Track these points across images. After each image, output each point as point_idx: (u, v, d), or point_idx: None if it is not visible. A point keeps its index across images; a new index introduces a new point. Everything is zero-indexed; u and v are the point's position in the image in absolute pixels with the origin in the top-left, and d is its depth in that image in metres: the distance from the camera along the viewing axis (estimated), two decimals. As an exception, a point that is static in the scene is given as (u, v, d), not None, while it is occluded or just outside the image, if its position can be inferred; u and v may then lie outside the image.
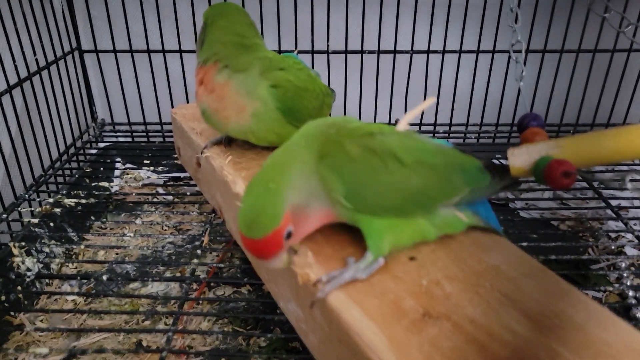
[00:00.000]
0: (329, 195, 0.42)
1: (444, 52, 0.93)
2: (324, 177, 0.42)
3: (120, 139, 1.03)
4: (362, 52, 0.94)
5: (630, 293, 0.61)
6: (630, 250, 0.72)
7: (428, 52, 0.94)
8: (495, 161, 0.52)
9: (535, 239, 0.66)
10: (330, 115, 0.66)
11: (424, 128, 0.99)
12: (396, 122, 0.99)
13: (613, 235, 0.75)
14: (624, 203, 0.78)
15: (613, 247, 0.73)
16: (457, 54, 0.94)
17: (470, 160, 0.48)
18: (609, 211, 0.74)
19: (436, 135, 0.99)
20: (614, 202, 0.76)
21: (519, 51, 0.63)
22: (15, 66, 0.76)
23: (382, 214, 0.44)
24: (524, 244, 0.63)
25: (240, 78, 0.56)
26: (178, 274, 0.72)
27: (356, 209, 0.43)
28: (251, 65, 0.57)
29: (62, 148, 0.91)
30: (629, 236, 0.73)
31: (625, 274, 0.65)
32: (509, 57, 0.91)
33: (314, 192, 0.42)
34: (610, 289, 0.64)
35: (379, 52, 0.94)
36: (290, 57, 0.61)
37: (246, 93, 0.56)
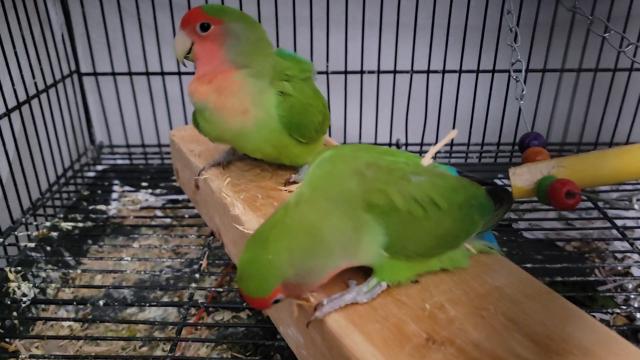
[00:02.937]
0: (362, 245, 0.41)
1: (444, 72, 0.93)
2: (369, 229, 0.41)
3: (119, 162, 1.03)
4: (361, 72, 0.94)
5: (638, 315, 0.60)
6: (637, 271, 0.71)
7: (428, 72, 0.94)
8: (493, 184, 0.51)
9: (540, 260, 0.65)
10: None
11: (425, 148, 0.98)
12: (397, 142, 0.98)
13: (619, 255, 0.74)
14: (629, 223, 0.77)
15: (620, 268, 0.72)
16: (457, 74, 0.93)
17: (479, 190, 0.47)
18: (614, 231, 0.73)
19: (438, 155, 0.98)
20: (619, 222, 0.75)
21: (519, 70, 0.63)
22: (14, 90, 0.76)
23: (413, 257, 0.43)
24: (529, 265, 0.62)
25: (253, 82, 0.55)
26: (176, 299, 0.71)
27: (391, 257, 0.42)
28: (265, 73, 0.56)
29: (60, 171, 0.90)
30: (635, 256, 0.72)
31: (632, 296, 0.63)
32: (509, 77, 0.91)
33: (329, 259, 0.40)
34: (618, 311, 0.63)
35: (379, 72, 0.94)
36: (298, 62, 0.60)
37: (253, 98, 0.55)
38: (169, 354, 0.54)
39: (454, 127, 0.96)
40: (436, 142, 0.96)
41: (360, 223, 0.40)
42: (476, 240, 0.47)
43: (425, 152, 0.47)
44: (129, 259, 0.71)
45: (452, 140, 0.99)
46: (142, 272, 0.69)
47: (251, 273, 0.38)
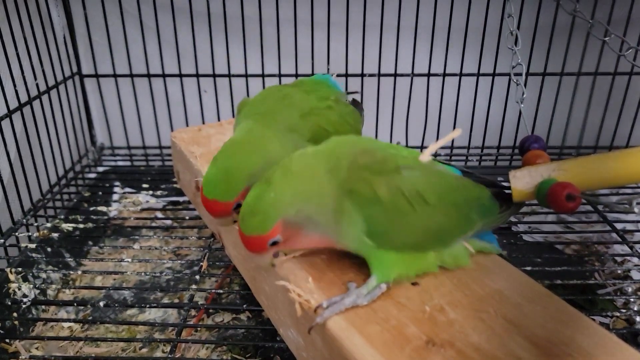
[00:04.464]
0: (342, 227, 0.41)
1: (444, 75, 0.93)
2: (346, 212, 0.41)
3: (120, 163, 1.03)
4: (362, 75, 0.94)
5: (638, 319, 0.60)
6: (636, 275, 0.71)
7: (429, 75, 0.94)
8: (502, 186, 0.51)
9: (540, 263, 0.65)
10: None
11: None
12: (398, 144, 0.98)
13: (619, 259, 0.74)
14: (629, 226, 0.77)
15: (619, 272, 0.72)
16: (458, 77, 0.94)
17: (483, 192, 0.47)
18: (614, 235, 0.73)
19: (437, 158, 0.98)
20: (619, 226, 0.75)
21: (520, 74, 0.63)
22: (16, 91, 0.76)
23: (402, 250, 0.43)
24: (528, 268, 0.62)
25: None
26: (176, 300, 0.71)
27: (377, 246, 0.42)
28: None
29: (61, 172, 0.90)
30: (635, 260, 0.72)
31: (632, 299, 0.63)
32: (510, 80, 0.91)
33: (322, 217, 0.41)
34: (618, 314, 0.63)
35: (380, 75, 0.94)
36: (321, 86, 0.60)
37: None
38: (169, 355, 0.54)
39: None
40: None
41: (341, 206, 0.41)
42: (475, 240, 0.47)
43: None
44: (129, 260, 0.71)
45: (453, 142, 0.99)
46: (143, 274, 0.69)
47: (251, 210, 0.40)
